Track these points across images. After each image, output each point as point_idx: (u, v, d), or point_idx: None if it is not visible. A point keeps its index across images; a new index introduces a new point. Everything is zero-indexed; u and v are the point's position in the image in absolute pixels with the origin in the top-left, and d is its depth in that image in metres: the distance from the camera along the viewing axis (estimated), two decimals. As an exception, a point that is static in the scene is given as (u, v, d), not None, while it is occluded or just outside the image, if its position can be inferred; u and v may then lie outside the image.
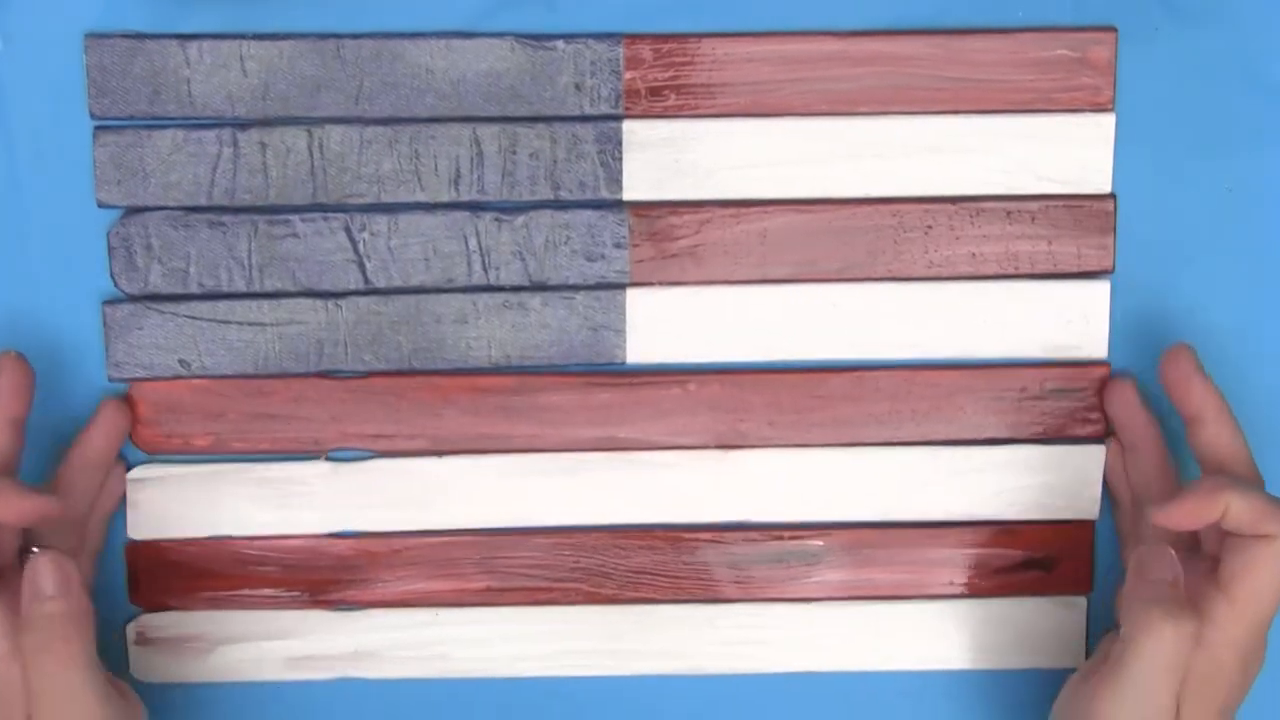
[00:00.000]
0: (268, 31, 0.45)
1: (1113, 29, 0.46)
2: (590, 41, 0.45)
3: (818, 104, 0.46)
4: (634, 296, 0.47)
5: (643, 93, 0.46)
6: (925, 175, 0.46)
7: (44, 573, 0.41)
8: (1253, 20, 0.47)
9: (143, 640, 0.48)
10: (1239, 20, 0.47)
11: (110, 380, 0.47)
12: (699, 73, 0.46)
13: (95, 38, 0.45)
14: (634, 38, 0.45)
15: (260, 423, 0.47)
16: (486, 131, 0.46)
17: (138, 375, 0.47)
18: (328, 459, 0.47)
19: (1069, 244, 0.47)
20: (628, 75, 0.45)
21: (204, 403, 0.47)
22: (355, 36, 0.45)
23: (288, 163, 0.46)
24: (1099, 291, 0.47)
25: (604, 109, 0.46)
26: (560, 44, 0.45)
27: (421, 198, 0.46)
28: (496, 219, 0.46)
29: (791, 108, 0.46)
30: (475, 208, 0.46)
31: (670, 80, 0.46)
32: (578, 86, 0.45)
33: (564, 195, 0.46)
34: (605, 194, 0.46)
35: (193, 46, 0.45)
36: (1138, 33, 0.46)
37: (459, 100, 0.45)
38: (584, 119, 0.46)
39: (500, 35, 0.45)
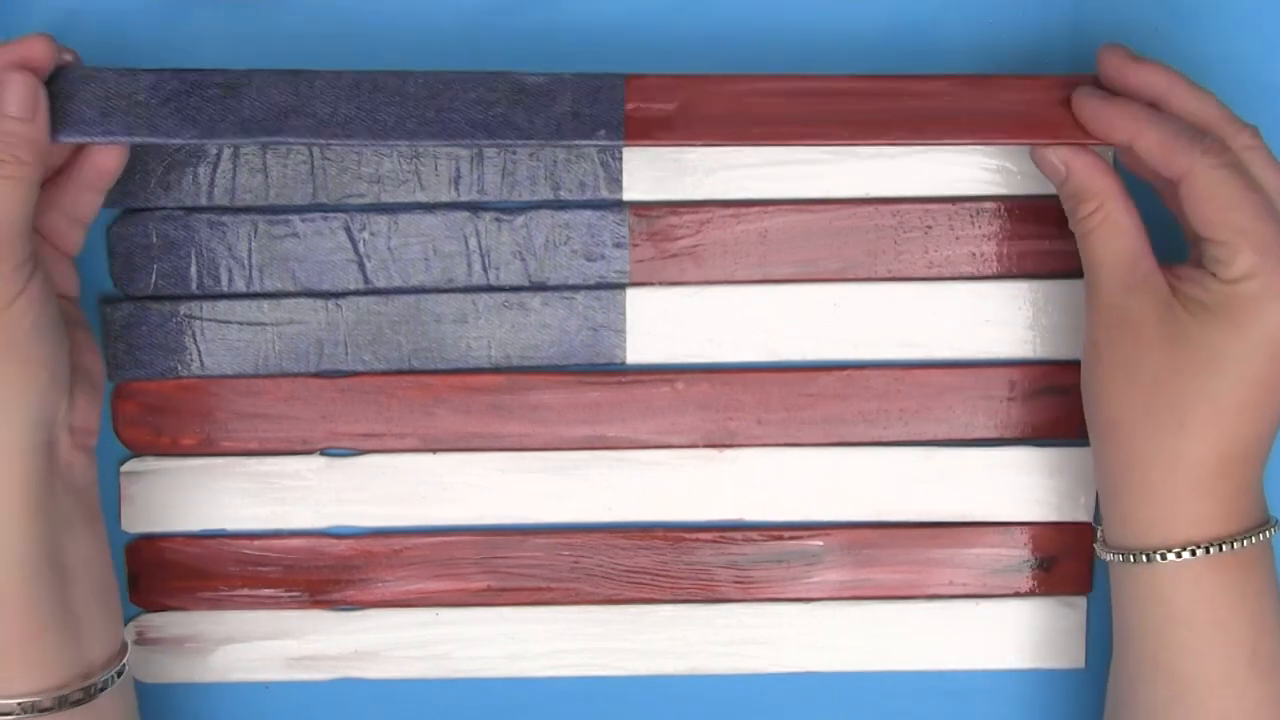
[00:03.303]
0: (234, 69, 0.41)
1: None
2: (589, 77, 0.42)
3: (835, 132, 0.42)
4: (634, 296, 0.47)
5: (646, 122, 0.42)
6: (925, 175, 0.46)
7: (11, 89, 0.39)
8: (1251, 20, 0.47)
9: (143, 640, 0.48)
10: (1237, 20, 0.47)
11: (110, 380, 0.47)
12: (703, 107, 0.42)
13: None
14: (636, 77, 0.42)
15: (249, 422, 0.47)
16: (486, 131, 0.46)
17: (138, 375, 0.47)
18: (322, 455, 0.47)
19: (1069, 244, 0.47)
20: (629, 107, 0.42)
21: (192, 401, 0.47)
22: (335, 73, 0.41)
23: (288, 163, 0.46)
24: (1099, 291, 0.47)
25: (602, 138, 0.42)
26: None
27: (421, 198, 0.46)
28: (496, 219, 0.46)
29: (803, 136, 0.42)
30: (475, 208, 0.46)
31: (675, 111, 0.42)
32: (574, 115, 0.42)
33: (564, 195, 0.46)
34: (605, 194, 0.46)
35: (161, 76, 0.41)
36: (1138, 33, 0.46)
37: (442, 126, 0.41)
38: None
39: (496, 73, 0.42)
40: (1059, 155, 0.42)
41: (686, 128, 0.42)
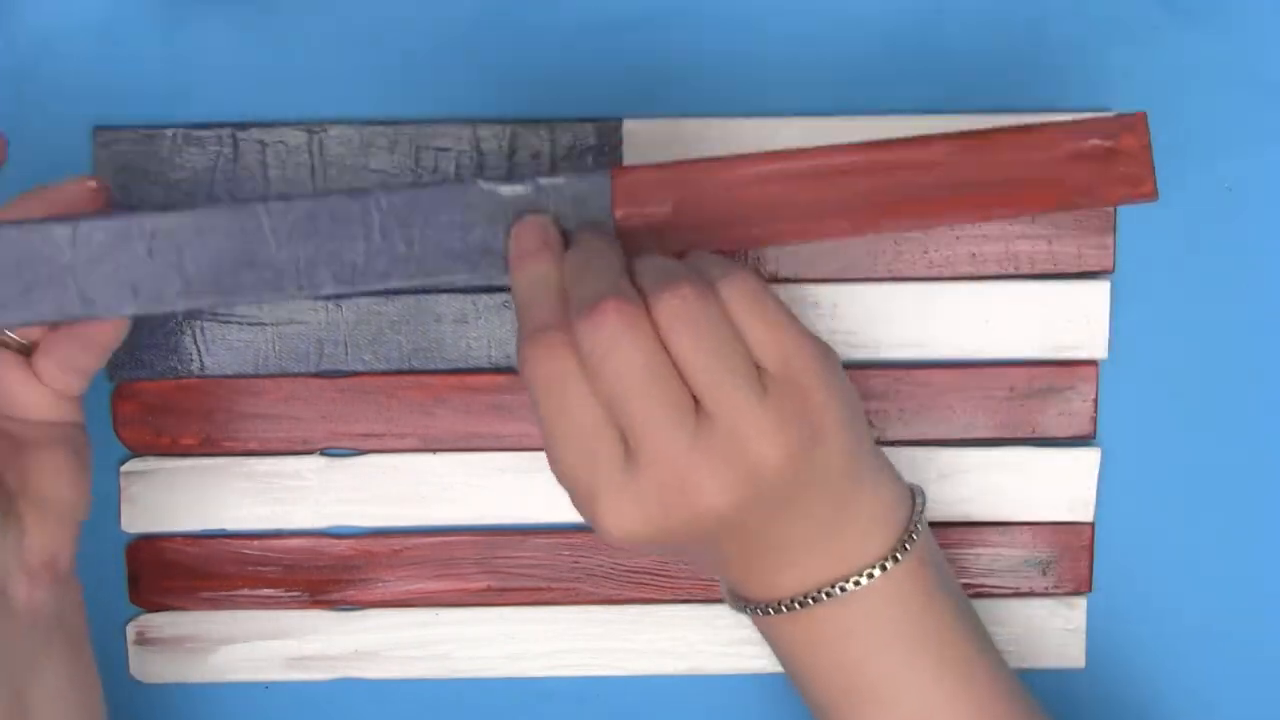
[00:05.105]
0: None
1: (1142, 114, 0.40)
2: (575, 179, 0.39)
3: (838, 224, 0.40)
4: (634, 296, 0.47)
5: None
6: (925, 175, 0.46)
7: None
8: (1252, 20, 0.47)
9: (143, 640, 0.48)
10: (1238, 20, 0.47)
11: (110, 380, 0.47)
12: (698, 207, 0.39)
13: None
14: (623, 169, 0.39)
15: (249, 422, 0.47)
16: (487, 131, 0.46)
17: (138, 375, 0.47)
18: (322, 455, 0.47)
19: (1069, 244, 0.47)
20: (618, 214, 0.39)
21: (192, 401, 0.47)
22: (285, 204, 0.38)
23: (288, 163, 0.46)
24: (1099, 291, 0.47)
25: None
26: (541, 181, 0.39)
27: (421, 198, 0.46)
28: (496, 219, 0.46)
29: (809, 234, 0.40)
30: (475, 208, 0.46)
31: (668, 216, 0.39)
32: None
33: (564, 195, 0.46)
34: (605, 194, 0.46)
35: (81, 226, 0.38)
36: (1138, 33, 0.46)
37: (417, 264, 0.39)
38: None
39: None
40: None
41: (681, 233, 0.39)
